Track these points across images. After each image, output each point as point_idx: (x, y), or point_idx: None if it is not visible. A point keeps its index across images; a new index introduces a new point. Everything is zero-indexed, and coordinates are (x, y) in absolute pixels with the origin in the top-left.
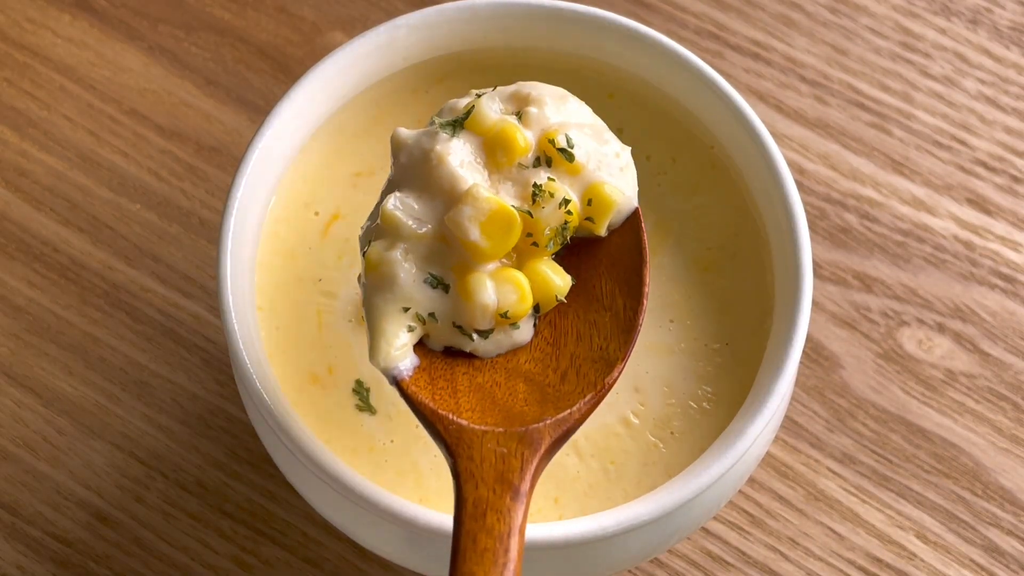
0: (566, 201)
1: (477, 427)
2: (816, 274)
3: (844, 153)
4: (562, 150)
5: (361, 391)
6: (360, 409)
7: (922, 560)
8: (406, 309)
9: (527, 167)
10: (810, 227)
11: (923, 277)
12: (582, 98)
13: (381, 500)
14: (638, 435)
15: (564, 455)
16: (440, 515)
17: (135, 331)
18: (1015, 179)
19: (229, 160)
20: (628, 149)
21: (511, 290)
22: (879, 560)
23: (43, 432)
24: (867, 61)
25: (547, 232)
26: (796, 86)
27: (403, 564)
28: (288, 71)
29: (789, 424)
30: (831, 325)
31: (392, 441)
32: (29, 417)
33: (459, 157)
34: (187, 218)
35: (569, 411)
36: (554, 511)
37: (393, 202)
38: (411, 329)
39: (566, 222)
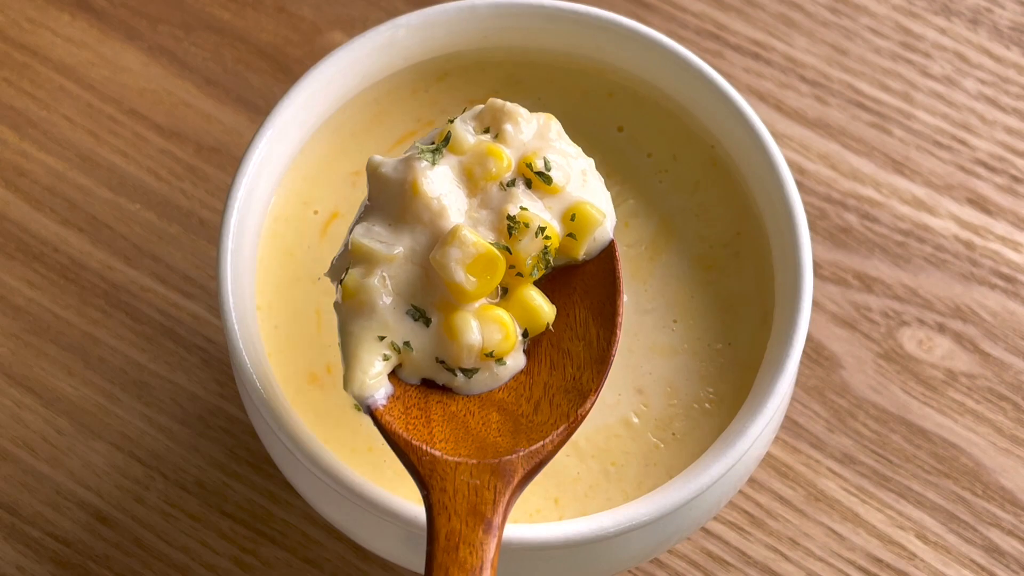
0: (542, 228)
1: (450, 458)
2: (816, 274)
3: (844, 153)
4: (540, 173)
5: None
6: (359, 409)
7: (922, 560)
8: (382, 338)
9: (505, 188)
10: (810, 227)
11: (923, 277)
12: (582, 97)
13: (380, 500)
14: (639, 436)
15: (565, 456)
16: None
17: (135, 331)
18: (1015, 179)
19: (229, 160)
20: (601, 180)
21: (496, 330)
22: (879, 560)
23: (43, 432)
24: (867, 61)
25: (529, 262)
26: (796, 86)
27: (402, 564)
28: (288, 71)
29: (789, 424)
30: (831, 325)
31: None
32: (29, 417)
33: (438, 187)
34: (187, 218)
35: (542, 443)
36: (554, 512)
37: (361, 231)
38: (386, 358)
39: (546, 247)
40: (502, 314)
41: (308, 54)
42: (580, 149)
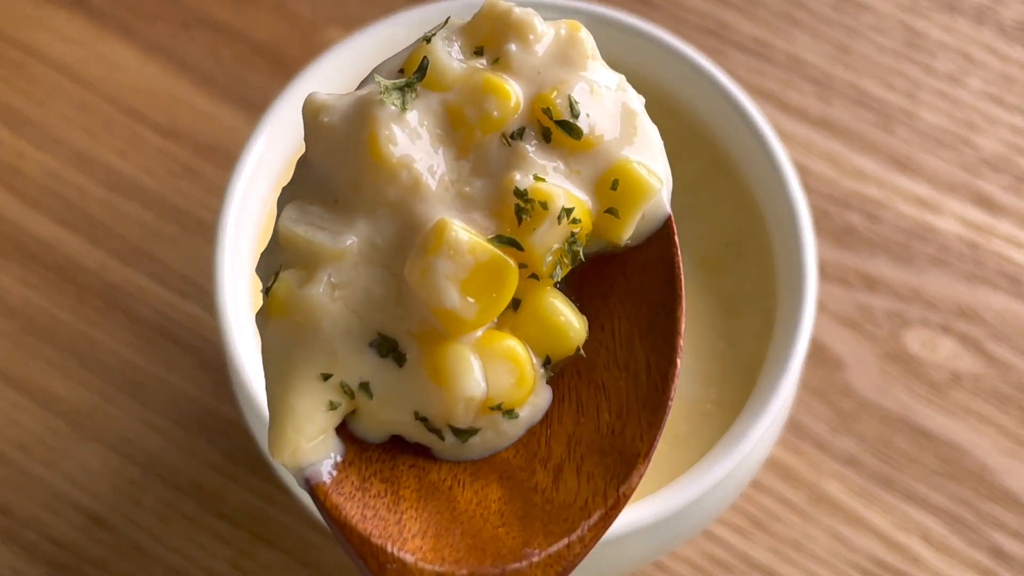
0: (567, 211)
1: (430, 567)
2: (820, 274)
3: (847, 152)
4: (562, 123)
5: None
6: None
7: (927, 563)
8: (326, 376)
9: (510, 143)
10: (813, 227)
11: (927, 278)
12: None
13: None
14: None
15: None
16: None
17: (131, 331)
18: (1020, 179)
19: (226, 159)
20: (654, 127)
21: (506, 370)
22: (883, 563)
23: (39, 434)
24: (870, 59)
25: (548, 258)
26: (799, 84)
27: None
28: (286, 69)
29: (793, 426)
30: (835, 326)
31: None
32: (24, 419)
33: (410, 146)
34: (184, 217)
35: (566, 541)
36: None
37: (292, 214)
38: (333, 406)
39: (573, 234)
40: (514, 346)
41: (306, 52)
42: (622, 77)
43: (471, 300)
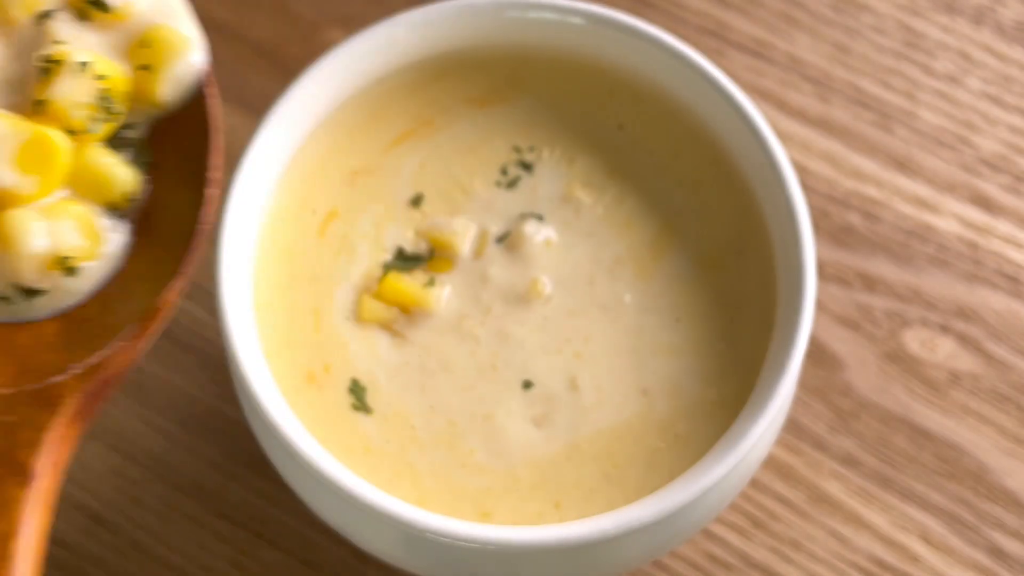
0: (83, 64)
1: None
2: (819, 274)
3: (847, 152)
4: (93, 1)
5: (357, 391)
6: (356, 409)
7: (926, 562)
8: None
9: (40, 23)
10: (813, 226)
11: (927, 277)
12: (583, 96)
13: (377, 502)
14: (641, 438)
15: (566, 459)
16: (437, 516)
17: None
18: (1019, 179)
19: (226, 159)
20: None
21: (71, 227)
22: (882, 563)
23: None
24: (870, 59)
25: (77, 113)
26: (798, 84)
27: (401, 566)
28: (286, 69)
29: (792, 425)
30: (834, 326)
31: (388, 442)
32: None
33: None
34: None
35: (101, 352)
36: (555, 515)
37: None
38: None
39: (104, 90)
40: (76, 207)
41: (306, 52)
42: None
43: (29, 176)
